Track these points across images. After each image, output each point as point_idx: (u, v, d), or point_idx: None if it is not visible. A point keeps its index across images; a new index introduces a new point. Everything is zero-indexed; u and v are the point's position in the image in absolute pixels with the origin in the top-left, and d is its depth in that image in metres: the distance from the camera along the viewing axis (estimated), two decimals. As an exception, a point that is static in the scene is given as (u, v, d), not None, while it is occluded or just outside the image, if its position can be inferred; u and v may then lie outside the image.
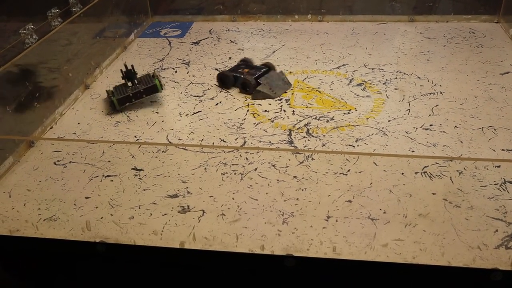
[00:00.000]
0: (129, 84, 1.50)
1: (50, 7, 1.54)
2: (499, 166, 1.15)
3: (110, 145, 1.29)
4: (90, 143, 1.31)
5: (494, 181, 1.10)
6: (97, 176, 1.18)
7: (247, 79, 1.53)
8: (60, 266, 1.14)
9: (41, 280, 1.24)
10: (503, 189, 1.08)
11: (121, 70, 1.50)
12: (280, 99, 1.49)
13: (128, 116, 1.44)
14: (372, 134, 1.31)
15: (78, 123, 1.43)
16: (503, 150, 1.22)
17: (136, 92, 1.46)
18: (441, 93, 1.49)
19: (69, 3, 1.63)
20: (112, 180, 1.16)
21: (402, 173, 1.14)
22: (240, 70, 1.59)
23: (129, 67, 1.50)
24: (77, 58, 1.66)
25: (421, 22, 2.03)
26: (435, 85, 1.54)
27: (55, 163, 1.24)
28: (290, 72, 1.66)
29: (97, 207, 1.08)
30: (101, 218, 1.05)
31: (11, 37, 1.40)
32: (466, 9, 2.02)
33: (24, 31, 1.39)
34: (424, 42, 1.85)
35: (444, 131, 1.30)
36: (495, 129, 1.30)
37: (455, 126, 1.32)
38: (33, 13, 1.53)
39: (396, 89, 1.53)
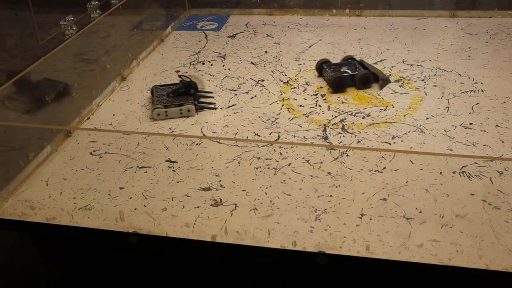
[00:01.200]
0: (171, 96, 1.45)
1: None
2: (542, 168, 1.11)
3: (145, 137, 1.30)
4: (126, 134, 1.32)
5: (536, 183, 1.07)
6: (132, 167, 1.19)
7: (365, 74, 1.50)
8: (93, 255, 1.16)
9: (74, 267, 1.27)
10: (546, 192, 1.04)
11: (181, 78, 1.47)
12: (316, 94, 1.48)
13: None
14: (409, 132, 1.28)
15: (113, 115, 1.44)
16: (546, 151, 1.18)
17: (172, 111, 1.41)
18: (482, 91, 1.45)
19: (108, -5, 1.64)
20: (146, 172, 1.17)
21: (440, 172, 1.11)
22: (341, 69, 1.55)
23: (189, 80, 1.46)
24: (115, 50, 1.68)
25: (463, 18, 1.98)
26: (476, 83, 1.49)
27: (91, 153, 1.26)
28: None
29: (131, 198, 1.09)
30: (135, 209, 1.06)
31: (52, 28, 1.42)
32: (510, 4, 1.96)
33: (65, 23, 1.41)
34: (466, 38, 1.80)
35: (484, 130, 1.27)
36: (538, 129, 1.26)
37: (496, 125, 1.28)
38: (73, 5, 1.54)
39: (435, 86, 1.49)
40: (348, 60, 1.60)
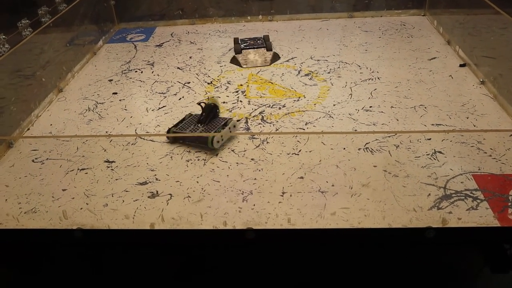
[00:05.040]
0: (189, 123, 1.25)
1: (20, 19, 1.48)
2: (430, 139, 1.16)
3: (84, 141, 1.26)
4: (65, 140, 1.27)
5: (426, 152, 1.12)
6: (73, 170, 1.14)
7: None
8: (42, 254, 1.11)
9: (26, 268, 1.21)
10: (434, 159, 1.09)
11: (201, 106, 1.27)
12: (237, 91, 1.48)
13: (99, 114, 1.40)
14: (319, 118, 1.31)
15: (50, 125, 1.37)
16: (432, 125, 1.24)
17: (188, 137, 1.22)
18: (378, 78, 1.50)
19: (38, 14, 1.57)
20: (86, 173, 1.13)
21: (347, 150, 1.14)
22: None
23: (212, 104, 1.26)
24: (50, 64, 1.61)
25: (359, 18, 2.04)
26: (373, 72, 1.55)
27: (33, 160, 1.20)
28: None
29: (73, 198, 1.05)
30: (77, 207, 1.01)
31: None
32: (397, 5, 2.04)
33: (-4, 41, 1.34)
34: (362, 35, 1.86)
35: (382, 111, 1.31)
36: (425, 107, 1.32)
37: (392, 107, 1.33)
38: (4, 24, 1.47)
39: (339, 77, 1.53)
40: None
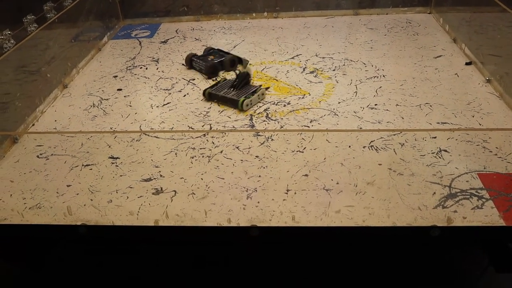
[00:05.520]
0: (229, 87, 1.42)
1: (26, 14, 1.48)
2: (435, 137, 1.16)
3: (89, 137, 1.26)
4: (70, 136, 1.27)
5: (431, 151, 1.11)
6: (77, 166, 1.14)
7: (232, 57, 1.59)
8: (46, 249, 1.11)
9: (31, 263, 1.21)
10: (439, 157, 1.09)
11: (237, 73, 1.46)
12: (242, 88, 1.47)
13: (103, 110, 1.40)
14: (324, 115, 1.30)
15: (55, 121, 1.37)
16: (438, 123, 1.23)
17: (223, 97, 1.38)
18: (383, 76, 1.50)
19: (43, 9, 1.57)
20: (91, 169, 1.13)
21: (352, 148, 1.14)
22: (208, 58, 1.61)
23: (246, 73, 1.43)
24: (55, 60, 1.61)
25: (365, 15, 2.03)
26: (378, 70, 1.54)
27: (38, 156, 1.20)
28: (250, 64, 1.63)
29: (78, 194, 1.05)
30: (82, 203, 1.02)
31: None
32: (403, 2, 2.03)
33: (2, 37, 1.33)
34: (368, 33, 1.85)
35: (387, 109, 1.31)
36: (431, 106, 1.31)
37: (397, 105, 1.33)
38: (10, 20, 1.46)
39: (344, 74, 1.52)
40: (210, 51, 1.66)
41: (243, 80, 1.41)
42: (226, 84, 1.43)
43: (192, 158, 1.14)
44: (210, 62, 1.56)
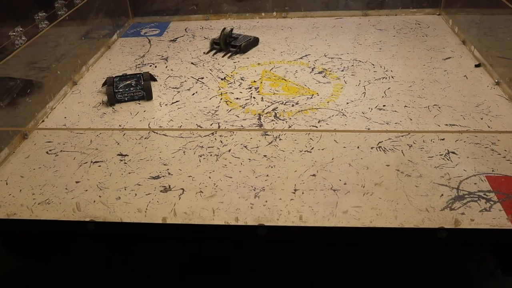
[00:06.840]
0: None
1: (37, 11, 1.49)
2: (443, 139, 1.15)
3: (97, 134, 1.26)
4: (79, 132, 1.28)
5: (440, 152, 1.11)
6: (86, 163, 1.15)
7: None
8: (55, 245, 1.12)
9: (39, 258, 1.22)
10: (447, 159, 1.09)
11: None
12: (250, 88, 1.47)
13: (113, 108, 1.40)
14: (332, 116, 1.30)
15: (65, 117, 1.38)
16: (446, 125, 1.23)
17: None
18: (392, 77, 1.49)
19: (54, 7, 1.58)
20: (100, 166, 1.14)
21: (360, 149, 1.14)
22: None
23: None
24: (65, 57, 1.62)
25: (374, 16, 2.03)
26: (387, 71, 1.53)
27: (47, 152, 1.21)
28: (259, 63, 1.64)
29: (86, 190, 1.05)
30: (90, 199, 1.02)
31: (2, 39, 1.35)
32: (412, 3, 2.03)
33: (14, 33, 1.34)
34: (377, 33, 1.84)
35: (395, 111, 1.30)
36: (439, 107, 1.30)
37: (405, 106, 1.32)
38: (21, 17, 1.47)
39: (353, 75, 1.52)
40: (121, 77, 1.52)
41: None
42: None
43: (200, 156, 1.14)
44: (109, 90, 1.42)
